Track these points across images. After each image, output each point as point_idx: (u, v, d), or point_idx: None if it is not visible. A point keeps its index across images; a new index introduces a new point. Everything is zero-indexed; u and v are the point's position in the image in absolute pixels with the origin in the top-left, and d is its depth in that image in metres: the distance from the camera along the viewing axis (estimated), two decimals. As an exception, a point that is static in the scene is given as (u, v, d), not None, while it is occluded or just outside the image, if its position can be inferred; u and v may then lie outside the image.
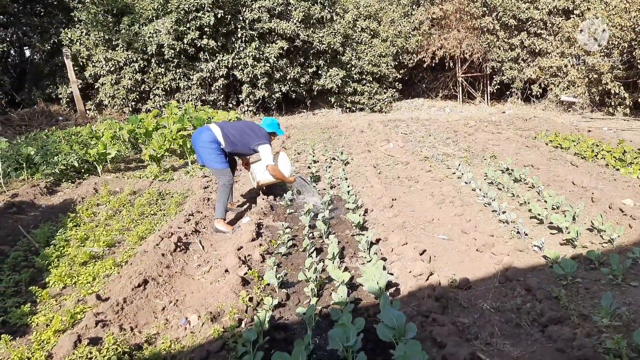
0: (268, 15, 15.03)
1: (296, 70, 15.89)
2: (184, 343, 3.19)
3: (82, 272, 4.29)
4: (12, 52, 16.90)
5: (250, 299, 3.57)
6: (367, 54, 17.27)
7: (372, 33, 17.77)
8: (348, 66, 16.97)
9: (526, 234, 4.53)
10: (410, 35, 18.23)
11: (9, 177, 7.51)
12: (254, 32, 14.94)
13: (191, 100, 14.96)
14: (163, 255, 4.44)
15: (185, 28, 14.17)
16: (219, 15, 14.11)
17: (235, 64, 15.02)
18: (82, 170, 8.13)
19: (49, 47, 14.88)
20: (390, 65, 17.66)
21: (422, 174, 7.32)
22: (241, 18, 14.73)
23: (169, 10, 14.15)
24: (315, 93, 17.08)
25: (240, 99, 15.93)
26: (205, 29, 14.27)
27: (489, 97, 18.68)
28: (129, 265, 4.33)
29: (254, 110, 16.07)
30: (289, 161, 6.17)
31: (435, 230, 4.94)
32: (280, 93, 16.02)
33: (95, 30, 14.16)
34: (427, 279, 3.47)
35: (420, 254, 4.03)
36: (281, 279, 3.76)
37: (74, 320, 3.44)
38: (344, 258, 4.32)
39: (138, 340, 3.23)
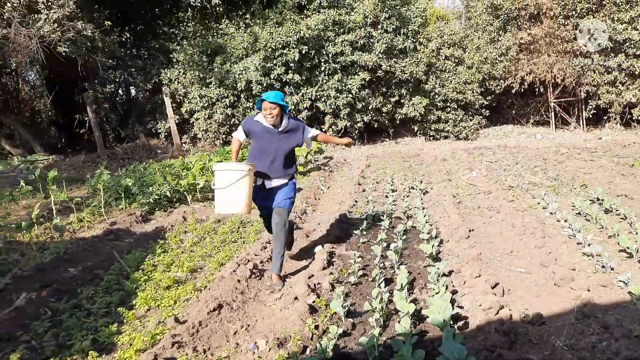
0: (350, 49, 15.40)
1: (378, 100, 16.03)
2: (253, 369, 3.31)
3: (165, 295, 4.59)
4: (120, 91, 18.65)
5: (317, 327, 3.64)
6: (451, 81, 17.04)
7: (456, 60, 17.53)
8: (431, 94, 16.84)
9: (612, 268, 4.22)
10: (497, 61, 17.78)
11: (110, 206, 8.24)
12: (336, 65, 15.34)
13: (276, 132, 15.53)
14: (238, 281, 4.65)
15: (272, 64, 14.85)
16: (304, 51, 14.66)
17: (318, 96, 15.46)
18: (174, 200, 8.71)
19: (150, 87, 16.22)
20: (476, 91, 17.28)
21: (504, 204, 7.06)
22: (324, 52, 15.20)
23: (257, 48, 14.93)
24: (397, 122, 17.07)
25: (323, 130, 16.28)
26: (291, 64, 14.86)
27: (584, 123, 17.63)
28: (207, 290, 4.57)
29: (337, 141, 16.34)
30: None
31: (513, 262, 4.75)
32: (362, 123, 16.20)
33: (191, 69, 15.25)
34: (497, 313, 3.35)
35: (493, 287, 3.89)
36: (347, 308, 3.79)
37: (154, 340, 3.69)
38: (414, 289, 4.27)
39: (210, 363, 3.40)
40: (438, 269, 4.12)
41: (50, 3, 12.56)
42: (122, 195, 8.25)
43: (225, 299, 4.22)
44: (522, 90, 18.10)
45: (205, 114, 15.51)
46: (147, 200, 8.14)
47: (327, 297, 4.21)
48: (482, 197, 7.85)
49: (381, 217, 6.82)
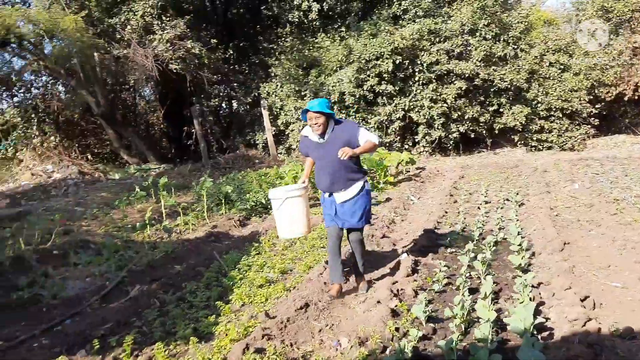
0: (446, 57, 15.23)
1: (475, 110, 15.64)
2: (335, 364, 3.49)
3: (258, 293, 4.92)
4: (223, 105, 19.90)
5: (397, 329, 3.74)
6: (555, 88, 16.19)
7: (562, 67, 16.64)
8: (533, 103, 16.11)
9: None
10: (607, 67, 16.63)
11: (212, 211, 8.88)
12: (431, 75, 15.24)
13: (369, 143, 15.70)
14: (325, 283, 4.87)
15: (365, 75, 15.09)
16: (397, 62, 14.75)
17: (412, 106, 15.43)
18: (269, 207, 9.18)
19: (250, 100, 17.15)
20: (584, 99, 16.25)
21: (606, 218, 6.67)
22: (419, 62, 15.18)
23: (351, 60, 15.25)
24: (496, 132, 16.51)
25: (417, 140, 16.22)
26: (384, 75, 15.01)
27: None
28: (296, 290, 4.85)
29: (430, 151, 16.20)
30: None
31: (609, 277, 4.52)
32: (457, 133, 15.89)
33: (287, 83, 15.92)
34: (584, 325, 3.26)
35: (582, 300, 3.76)
36: (428, 313, 3.85)
37: (247, 332, 4.00)
38: (499, 299, 4.22)
39: (295, 355, 3.63)
40: (525, 279, 4.05)
41: (164, 25, 13.79)
42: (223, 202, 8.87)
43: (311, 299, 4.45)
44: (637, 97, 16.77)
45: (299, 126, 16.07)
46: (245, 207, 8.67)
47: (410, 303, 4.28)
48: (582, 210, 7.45)
49: (471, 228, 6.74)
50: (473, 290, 4.46)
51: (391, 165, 11.49)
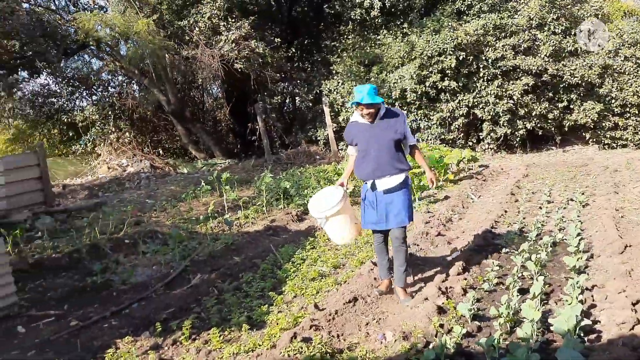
0: (512, 53, 14.80)
1: (543, 106, 15.10)
2: (377, 354, 3.61)
3: (310, 285, 5.11)
4: (286, 102, 20.33)
5: (441, 326, 3.80)
6: (631, 84, 15.31)
7: (638, 61, 15.71)
8: (607, 99, 15.33)
9: None
10: (690, 59, 15.52)
11: (271, 205, 9.19)
12: (496, 70, 14.87)
13: (430, 139, 15.56)
14: (375, 279, 4.98)
15: (427, 72, 14.94)
16: (461, 58, 14.50)
17: (476, 103, 15.12)
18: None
19: (312, 97, 17.42)
20: (663, 95, 15.28)
21: (678, 220, 6.33)
22: (483, 58, 14.85)
23: (413, 57, 15.15)
24: (566, 129, 15.86)
25: (481, 137, 15.88)
26: (447, 71, 14.79)
27: None
28: (346, 284, 4.98)
29: (495, 148, 15.81)
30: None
31: (673, 283, 4.32)
32: (524, 130, 15.40)
33: (348, 80, 16.04)
34: (632, 329, 3.18)
35: (634, 304, 3.64)
36: (473, 311, 3.88)
37: (296, 322, 4.18)
38: (548, 301, 4.17)
39: (340, 346, 3.77)
40: (576, 281, 3.97)
41: (229, 26, 14.30)
42: (282, 197, 9.15)
43: (360, 293, 4.58)
44: None
45: (361, 122, 16.16)
46: (302, 202, 8.90)
47: (458, 301, 4.31)
48: (653, 212, 7.08)
49: (529, 228, 6.60)
50: (523, 291, 4.42)
51: (452, 163, 11.34)
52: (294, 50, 18.09)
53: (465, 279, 4.79)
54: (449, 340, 3.39)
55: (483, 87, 14.98)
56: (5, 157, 10.15)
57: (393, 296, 4.67)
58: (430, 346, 3.53)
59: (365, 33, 17.52)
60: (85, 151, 18.10)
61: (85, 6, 15.24)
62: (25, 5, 13.81)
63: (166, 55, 15.04)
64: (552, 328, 3.34)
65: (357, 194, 8.73)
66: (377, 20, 16.75)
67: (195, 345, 3.99)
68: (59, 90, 18.70)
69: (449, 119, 15.62)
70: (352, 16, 16.73)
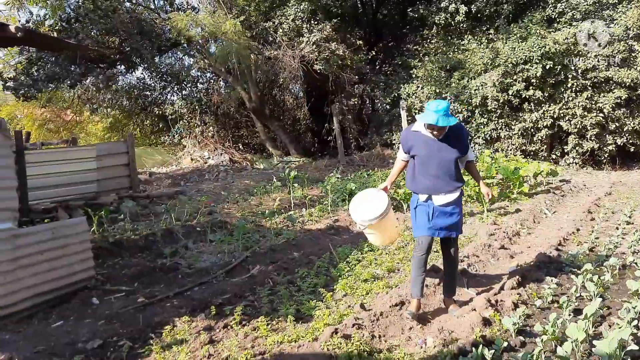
0: (605, 64, 13.98)
1: (637, 121, 14.15)
2: (414, 358, 3.65)
3: (360, 286, 5.21)
4: (363, 104, 20.46)
5: (483, 337, 3.77)
6: None
7: None
8: None
9: None
10: None
11: (336, 205, 9.36)
12: (586, 82, 14.10)
13: (510, 150, 15.03)
14: (427, 286, 4.99)
15: (511, 80, 14.45)
16: (547, 67, 13.89)
17: (562, 114, 14.41)
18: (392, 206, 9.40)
19: (389, 100, 17.40)
20: None
21: None
22: (572, 68, 14.12)
23: (497, 64, 14.71)
24: (663, 147, 14.75)
25: (566, 150, 15.11)
26: (532, 80, 14.22)
27: None
28: (397, 288, 5.04)
29: (580, 163, 14.98)
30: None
31: None
32: (614, 145, 14.49)
33: (428, 85, 15.86)
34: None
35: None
36: (518, 326, 3.81)
37: (341, 319, 4.31)
38: (602, 323, 3.99)
39: (380, 347, 3.85)
40: (634, 306, 3.78)
41: (312, 28, 14.66)
42: (347, 198, 9.29)
43: (408, 298, 4.61)
44: None
45: (438, 128, 15.92)
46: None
47: (507, 315, 4.23)
48: None
49: (600, 249, 6.28)
50: (578, 312, 4.24)
51: (527, 176, 10.93)
52: (374, 53, 18.16)
53: (519, 294, 4.67)
54: (487, 352, 3.38)
55: (570, 99, 14.25)
56: (99, 144, 11.10)
57: (440, 304, 4.67)
58: (469, 356, 3.52)
59: (449, 38, 17.26)
60: (172, 142, 19.29)
61: (180, 7, 16.25)
62: (127, 4, 14.98)
63: (250, 55, 15.69)
64: (593, 350, 3.22)
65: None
66: (462, 25, 16.45)
67: (244, 330, 4.22)
68: (152, 84, 20.06)
69: (532, 130, 15.01)
70: (436, 20, 16.54)
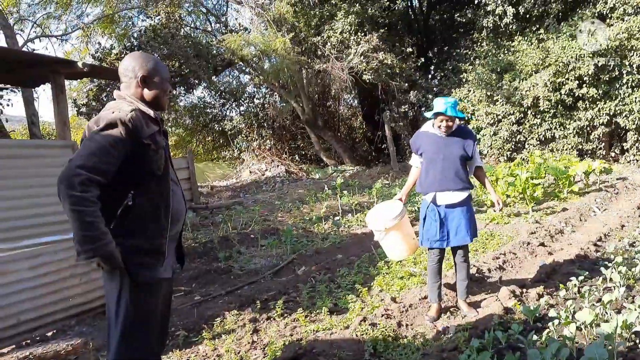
0: (663, 56, 13.51)
1: (701, 114, 13.53)
2: (434, 343, 4.00)
3: (396, 283, 5.56)
4: (416, 110, 20.65)
5: (501, 323, 4.05)
6: None
7: None
8: None
9: None
10: None
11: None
12: (643, 76, 13.68)
13: (566, 149, 14.76)
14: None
15: (563, 79, 14.24)
16: (600, 64, 13.59)
17: (618, 111, 14.03)
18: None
19: (441, 106, 17.53)
20: None
21: None
22: (627, 63, 13.73)
23: (547, 64, 14.55)
24: None
25: (625, 148, 14.65)
26: (585, 78, 13.96)
27: None
28: (429, 283, 5.35)
29: (642, 161, 14.49)
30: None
31: None
32: (678, 141, 13.93)
33: (479, 88, 15.90)
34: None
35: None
36: (536, 312, 4.05)
37: (372, 310, 4.71)
38: (621, 311, 4.13)
39: (405, 334, 4.22)
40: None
41: (359, 39, 15.13)
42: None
43: (438, 292, 4.93)
44: None
45: (490, 131, 15.89)
46: (412, 209, 9.28)
47: (532, 305, 4.46)
48: None
49: (641, 243, 6.30)
50: (601, 301, 4.41)
51: (578, 174, 10.81)
52: (423, 60, 18.35)
53: (545, 286, 4.88)
54: (501, 335, 3.67)
55: (627, 95, 13.85)
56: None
57: (470, 298, 4.95)
58: (484, 338, 3.82)
59: (499, 40, 17.19)
60: (232, 156, 20.32)
61: (233, 28, 17.24)
62: (186, 28, 16.12)
63: (302, 69, 16.36)
64: (596, 330, 3.44)
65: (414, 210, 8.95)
66: (511, 26, 16.36)
67: (285, 321, 4.70)
68: (212, 102, 21.25)
69: (588, 128, 14.69)
70: (484, 24, 16.56)
